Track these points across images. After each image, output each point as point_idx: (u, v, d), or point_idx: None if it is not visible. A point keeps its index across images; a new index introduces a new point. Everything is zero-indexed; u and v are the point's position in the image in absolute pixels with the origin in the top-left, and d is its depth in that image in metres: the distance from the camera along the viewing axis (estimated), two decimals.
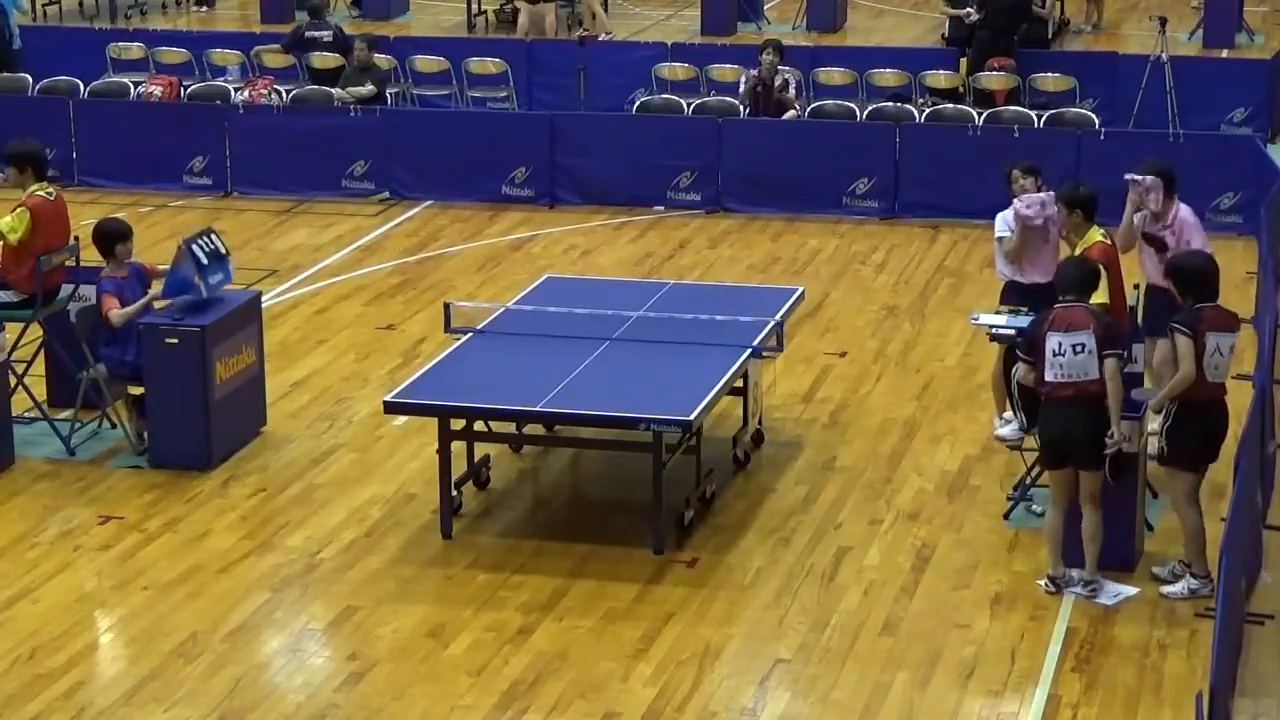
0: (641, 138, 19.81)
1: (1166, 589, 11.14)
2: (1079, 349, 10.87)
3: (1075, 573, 11.17)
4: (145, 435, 13.11)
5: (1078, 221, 12.27)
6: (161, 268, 13.39)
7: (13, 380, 13.26)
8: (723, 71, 22.08)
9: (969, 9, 23.18)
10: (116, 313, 12.84)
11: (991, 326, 12.76)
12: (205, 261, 13.00)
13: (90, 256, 14.41)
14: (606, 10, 29.24)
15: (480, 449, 12.67)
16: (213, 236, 13.35)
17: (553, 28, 26.24)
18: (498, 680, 10.26)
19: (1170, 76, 21.24)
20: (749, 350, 12.46)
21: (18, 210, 13.24)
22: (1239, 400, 13.45)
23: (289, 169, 20.06)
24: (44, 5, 29.42)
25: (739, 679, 10.32)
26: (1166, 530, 11.97)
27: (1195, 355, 10.77)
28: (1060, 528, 11.16)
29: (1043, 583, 11.21)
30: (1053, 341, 10.91)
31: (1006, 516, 12.14)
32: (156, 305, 13.14)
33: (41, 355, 13.84)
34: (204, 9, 30.38)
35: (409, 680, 10.27)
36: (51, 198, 13.46)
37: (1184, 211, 12.99)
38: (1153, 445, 11.39)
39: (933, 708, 10.01)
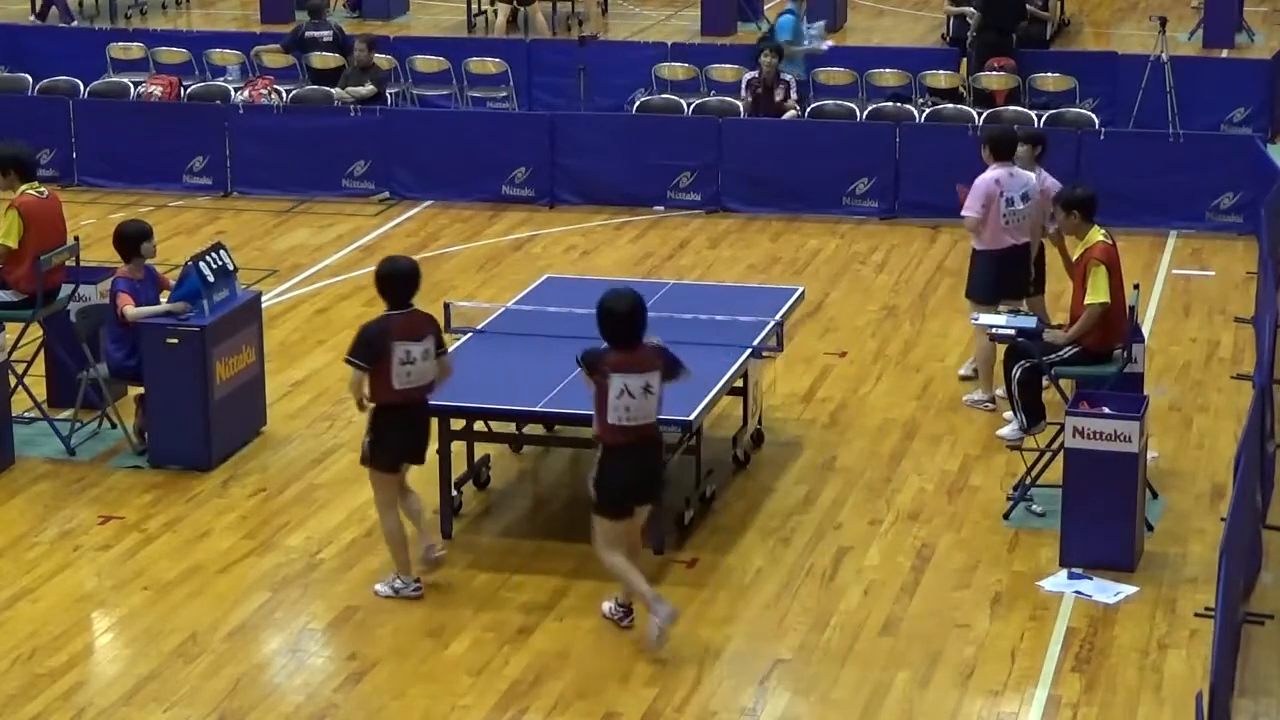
0: (641, 138, 19.79)
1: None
2: (649, 390, 10.31)
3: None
4: (145, 435, 13.12)
5: (1076, 222, 12.26)
6: (171, 278, 13.35)
7: (13, 380, 13.26)
8: (723, 71, 22.08)
9: (968, 8, 23.20)
10: (132, 309, 12.79)
11: (992, 326, 12.77)
12: (212, 279, 12.97)
13: (91, 256, 14.43)
14: (606, 11, 29.28)
15: (480, 449, 12.67)
16: (221, 253, 13.28)
17: (544, 26, 26.23)
18: (498, 680, 10.26)
19: (1170, 76, 21.23)
20: (749, 350, 12.47)
21: (7, 212, 13.23)
22: (1240, 400, 13.41)
23: (289, 169, 20.04)
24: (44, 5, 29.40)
25: (739, 679, 10.31)
26: (1167, 530, 11.98)
27: (385, 361, 10.80)
28: (628, 567, 10.51)
29: (609, 607, 10.79)
30: (618, 383, 10.20)
31: (1006, 516, 12.12)
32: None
33: (41, 355, 13.83)
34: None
35: (409, 680, 10.27)
36: (43, 196, 13.44)
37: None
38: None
39: (933, 708, 10.01)
